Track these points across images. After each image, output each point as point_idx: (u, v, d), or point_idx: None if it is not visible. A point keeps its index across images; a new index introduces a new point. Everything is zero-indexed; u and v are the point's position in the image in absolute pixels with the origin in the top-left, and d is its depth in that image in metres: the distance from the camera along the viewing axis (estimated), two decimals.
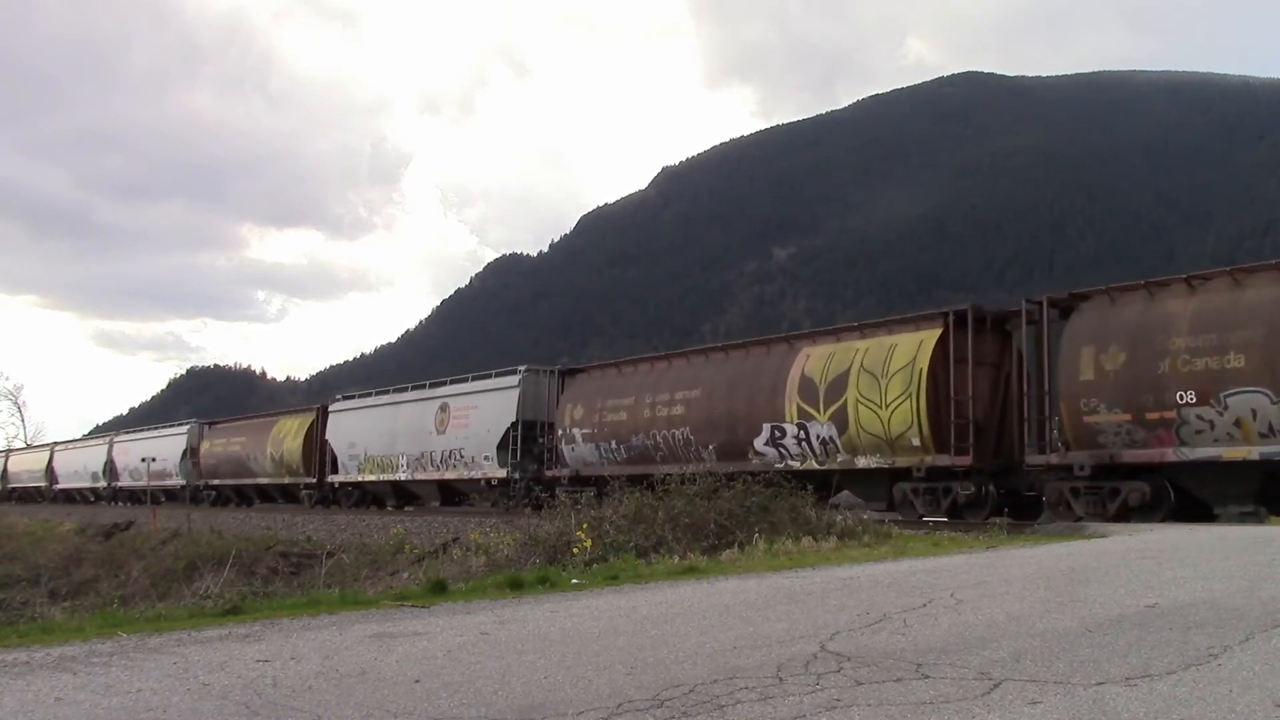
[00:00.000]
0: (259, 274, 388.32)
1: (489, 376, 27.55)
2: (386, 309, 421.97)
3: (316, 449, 34.13)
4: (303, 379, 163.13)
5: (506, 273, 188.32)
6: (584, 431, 23.62)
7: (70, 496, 51.86)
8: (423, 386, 30.30)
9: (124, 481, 46.02)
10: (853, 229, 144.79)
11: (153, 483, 40.85)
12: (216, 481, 40.11)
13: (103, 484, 47.98)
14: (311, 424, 34.66)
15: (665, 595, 7.89)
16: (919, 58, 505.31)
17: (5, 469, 61.36)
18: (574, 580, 9.33)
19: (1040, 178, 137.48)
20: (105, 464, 47.65)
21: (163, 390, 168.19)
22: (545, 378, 25.98)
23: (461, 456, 27.23)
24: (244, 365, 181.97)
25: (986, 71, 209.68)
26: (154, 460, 40.96)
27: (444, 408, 28.27)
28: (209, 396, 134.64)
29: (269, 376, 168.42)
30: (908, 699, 4.07)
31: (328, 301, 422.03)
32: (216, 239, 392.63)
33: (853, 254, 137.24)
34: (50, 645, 6.37)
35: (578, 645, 5.67)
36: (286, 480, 35.71)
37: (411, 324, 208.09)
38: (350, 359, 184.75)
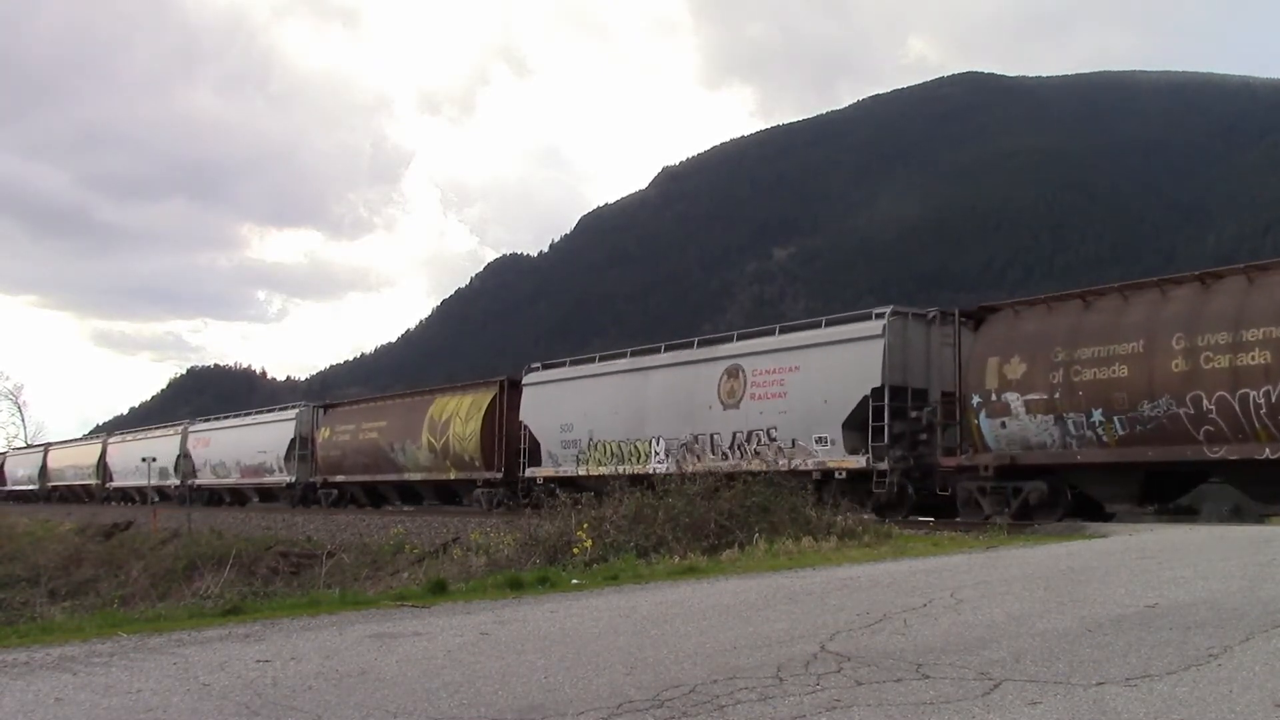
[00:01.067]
0: (259, 274, 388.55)
1: (818, 326, 20.07)
2: (386, 309, 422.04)
3: (500, 435, 26.49)
4: (303, 379, 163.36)
5: (506, 273, 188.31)
6: (1029, 398, 16.00)
7: (128, 496, 44.82)
8: (689, 345, 22.64)
9: (204, 479, 40.54)
10: (853, 229, 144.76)
11: (246, 480, 37.45)
12: (341, 478, 32.65)
13: (173, 481, 40.77)
14: (492, 401, 27.01)
15: (665, 595, 7.89)
16: (920, 57, 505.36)
17: (45, 465, 54.85)
18: (574, 580, 9.34)
19: (1040, 178, 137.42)
20: (178, 457, 40.92)
21: (163, 390, 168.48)
22: (925, 325, 18.56)
23: (772, 439, 19.46)
24: (244, 365, 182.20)
25: (986, 71, 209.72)
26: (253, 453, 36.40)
27: (734, 371, 20.51)
28: (209, 396, 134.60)
29: (269, 376, 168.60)
30: (908, 699, 4.08)
31: (328, 301, 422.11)
32: (217, 238, 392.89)
33: (853, 254, 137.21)
34: (50, 645, 6.37)
35: (578, 645, 5.67)
36: (453, 476, 28.06)
37: (411, 324, 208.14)
38: (350, 359, 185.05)
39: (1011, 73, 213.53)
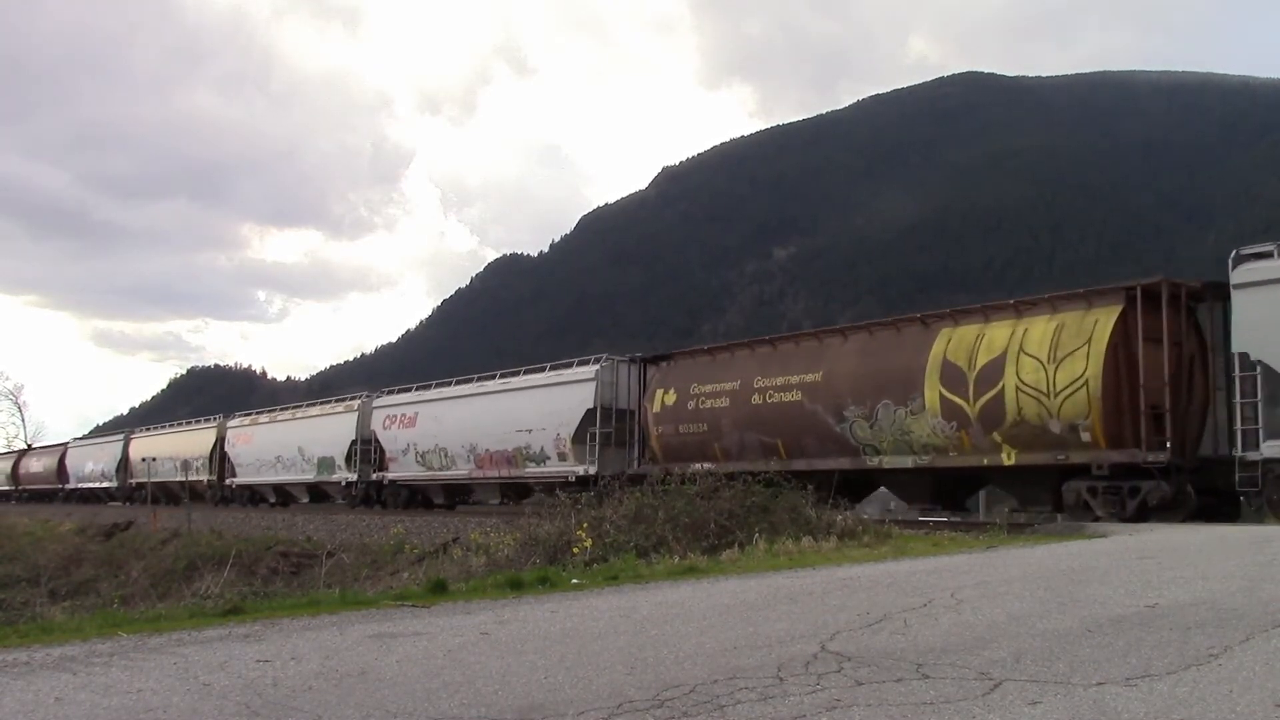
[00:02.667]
0: (259, 274, 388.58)
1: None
2: (386, 309, 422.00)
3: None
4: (303, 379, 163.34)
5: (506, 273, 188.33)
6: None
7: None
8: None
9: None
10: (853, 229, 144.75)
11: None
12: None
13: (310, 476, 34.49)
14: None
15: (665, 595, 7.89)
16: (921, 57, 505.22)
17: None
18: (574, 580, 9.33)
19: (1040, 178, 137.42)
20: (353, 444, 31.95)
21: (163, 390, 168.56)
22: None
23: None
24: (244, 365, 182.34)
25: (987, 71, 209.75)
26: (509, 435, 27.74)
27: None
28: (209, 396, 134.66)
29: (269, 376, 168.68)
30: (908, 699, 4.08)
31: (328, 301, 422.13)
32: (217, 238, 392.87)
33: (853, 254, 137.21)
34: (50, 645, 6.37)
35: (578, 645, 5.67)
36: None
37: (412, 324, 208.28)
38: (351, 359, 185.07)
39: (1011, 73, 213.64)
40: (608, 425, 23.58)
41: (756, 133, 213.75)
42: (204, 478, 40.04)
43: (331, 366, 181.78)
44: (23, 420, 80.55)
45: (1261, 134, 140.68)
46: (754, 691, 4.28)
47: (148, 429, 50.12)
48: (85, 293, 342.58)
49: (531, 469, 25.27)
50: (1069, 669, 4.52)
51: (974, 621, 5.89)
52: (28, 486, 58.26)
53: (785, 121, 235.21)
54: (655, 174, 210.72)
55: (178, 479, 39.12)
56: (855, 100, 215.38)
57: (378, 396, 32.50)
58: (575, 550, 11.65)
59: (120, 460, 46.81)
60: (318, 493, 35.41)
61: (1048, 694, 4.07)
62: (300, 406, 38.36)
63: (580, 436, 23.81)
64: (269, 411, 40.51)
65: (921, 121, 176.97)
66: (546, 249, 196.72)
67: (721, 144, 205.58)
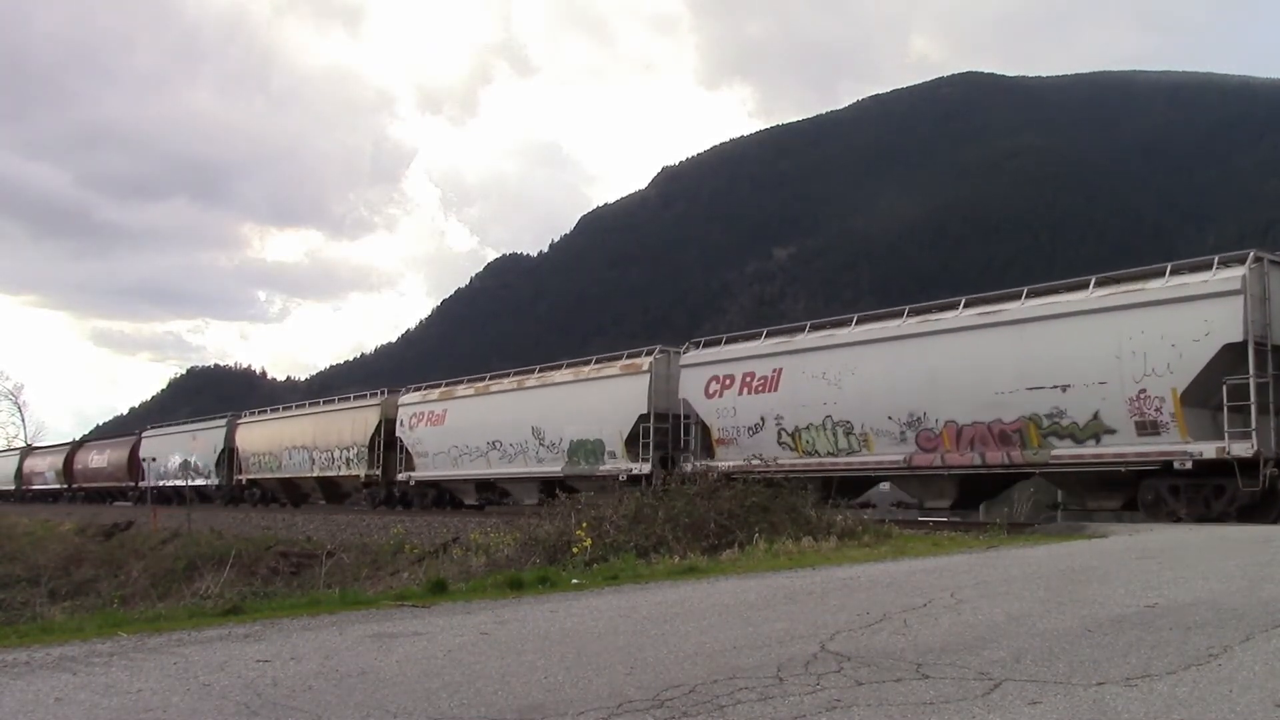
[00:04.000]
0: (260, 273, 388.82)
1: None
2: (386, 309, 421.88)
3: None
4: (303, 379, 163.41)
5: (506, 273, 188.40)
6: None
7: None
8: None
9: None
10: (853, 229, 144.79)
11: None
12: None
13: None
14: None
15: (665, 595, 7.89)
16: (921, 56, 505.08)
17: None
18: (574, 580, 9.33)
19: (1040, 178, 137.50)
20: (220, 452, 37.77)
21: (163, 390, 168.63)
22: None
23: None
24: (244, 365, 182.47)
25: (987, 71, 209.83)
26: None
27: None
28: (209, 396, 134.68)
29: (269, 376, 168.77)
30: (908, 699, 4.08)
31: (328, 301, 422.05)
32: (217, 238, 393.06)
33: (853, 254, 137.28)
34: (50, 645, 6.37)
35: (578, 645, 5.67)
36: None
37: (412, 324, 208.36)
38: (350, 359, 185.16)
39: (1011, 73, 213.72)
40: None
41: (756, 133, 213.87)
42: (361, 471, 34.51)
43: (331, 366, 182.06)
44: (23, 420, 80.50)
45: (1261, 134, 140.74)
46: (754, 691, 4.28)
47: (252, 414, 40.36)
48: (85, 293, 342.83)
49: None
50: (1069, 669, 4.52)
51: (974, 621, 5.89)
52: (85, 484, 49.21)
53: (785, 121, 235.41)
54: (655, 174, 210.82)
55: (311, 474, 34.14)
56: (855, 100, 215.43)
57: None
58: (575, 550, 11.65)
59: (222, 452, 39.01)
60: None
61: (1048, 694, 4.07)
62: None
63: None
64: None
65: (921, 121, 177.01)
66: (546, 249, 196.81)
67: (721, 144, 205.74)
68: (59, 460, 52.81)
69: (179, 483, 41.42)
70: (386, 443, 30.50)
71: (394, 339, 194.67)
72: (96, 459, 49.00)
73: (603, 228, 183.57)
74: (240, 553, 20.32)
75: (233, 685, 4.85)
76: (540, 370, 26.65)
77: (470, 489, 28.30)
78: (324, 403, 35.24)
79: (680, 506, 12.84)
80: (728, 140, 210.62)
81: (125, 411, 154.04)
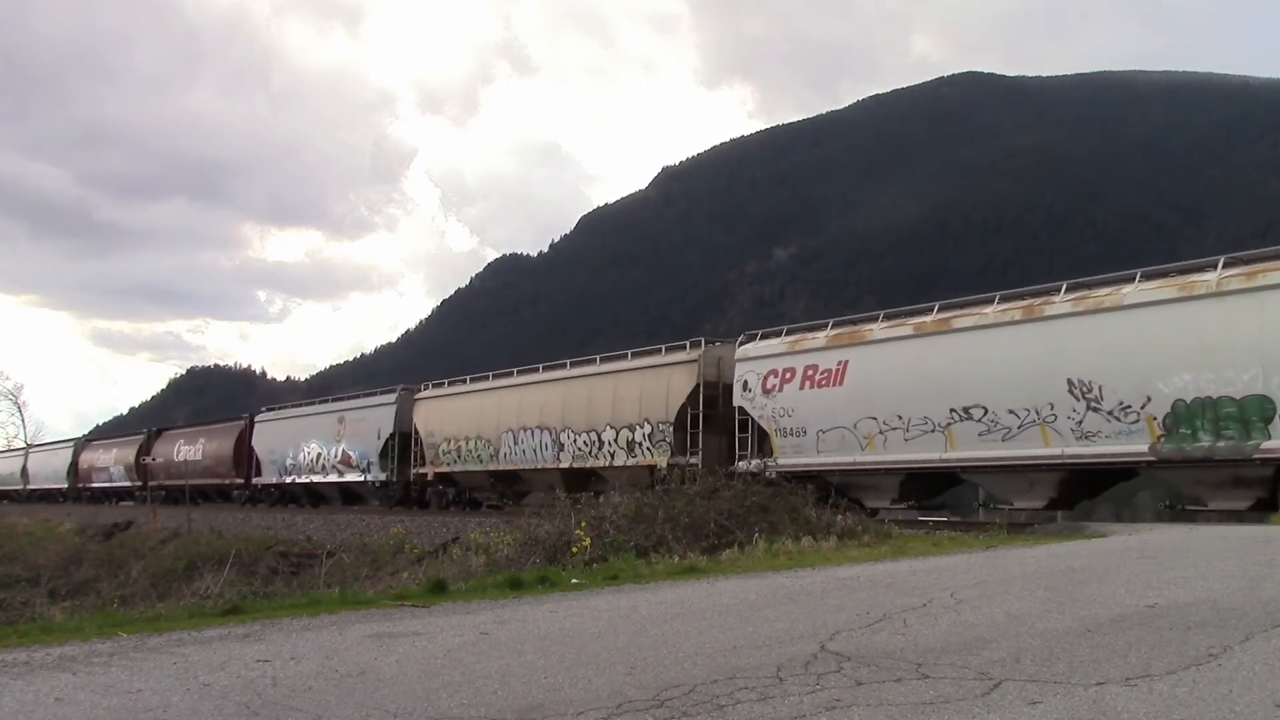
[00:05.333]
0: (260, 273, 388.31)
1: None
2: (386, 309, 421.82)
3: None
4: (303, 379, 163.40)
5: (506, 273, 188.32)
6: None
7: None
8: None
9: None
10: (853, 229, 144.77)
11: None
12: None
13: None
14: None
15: (665, 595, 7.89)
16: (922, 56, 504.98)
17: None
18: (574, 580, 9.34)
19: (1040, 178, 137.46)
20: (390, 439, 29.79)
21: (163, 390, 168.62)
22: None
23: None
24: (244, 365, 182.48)
25: (987, 72, 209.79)
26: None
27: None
28: (209, 396, 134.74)
29: (269, 376, 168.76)
30: (908, 699, 4.08)
31: (328, 301, 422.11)
32: (217, 238, 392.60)
33: (853, 254, 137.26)
34: (50, 645, 6.37)
35: (578, 645, 5.67)
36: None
37: (411, 324, 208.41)
38: (350, 359, 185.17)
39: (1012, 73, 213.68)
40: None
41: (756, 133, 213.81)
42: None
43: (331, 366, 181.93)
44: (22, 420, 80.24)
45: (1261, 134, 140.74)
46: (754, 691, 4.28)
47: (436, 384, 30.84)
48: (85, 292, 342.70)
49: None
50: (1069, 669, 4.51)
51: (974, 621, 5.89)
52: (170, 481, 40.04)
53: (785, 121, 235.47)
54: (655, 174, 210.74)
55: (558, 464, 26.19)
56: (856, 100, 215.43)
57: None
58: (575, 550, 11.65)
59: (391, 438, 30.14)
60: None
61: (1047, 694, 4.07)
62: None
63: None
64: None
65: (921, 121, 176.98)
66: (546, 249, 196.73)
67: (721, 144, 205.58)
68: (128, 453, 44.76)
69: (316, 478, 33.14)
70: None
71: (394, 339, 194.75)
72: (186, 450, 40.06)
73: (603, 228, 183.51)
74: (240, 553, 20.31)
75: (233, 685, 4.86)
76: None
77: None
78: (571, 364, 26.12)
79: (680, 506, 12.85)
80: (728, 140, 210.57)
81: (125, 411, 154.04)
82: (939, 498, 19.40)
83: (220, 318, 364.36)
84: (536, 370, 26.71)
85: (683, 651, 5.28)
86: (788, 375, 19.62)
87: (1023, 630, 5.53)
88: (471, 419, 27.33)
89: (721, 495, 13.27)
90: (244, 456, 36.96)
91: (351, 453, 31.68)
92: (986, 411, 16.26)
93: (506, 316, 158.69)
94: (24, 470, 55.98)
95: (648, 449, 21.87)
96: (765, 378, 20.00)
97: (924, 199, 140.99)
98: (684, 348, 22.48)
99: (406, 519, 24.59)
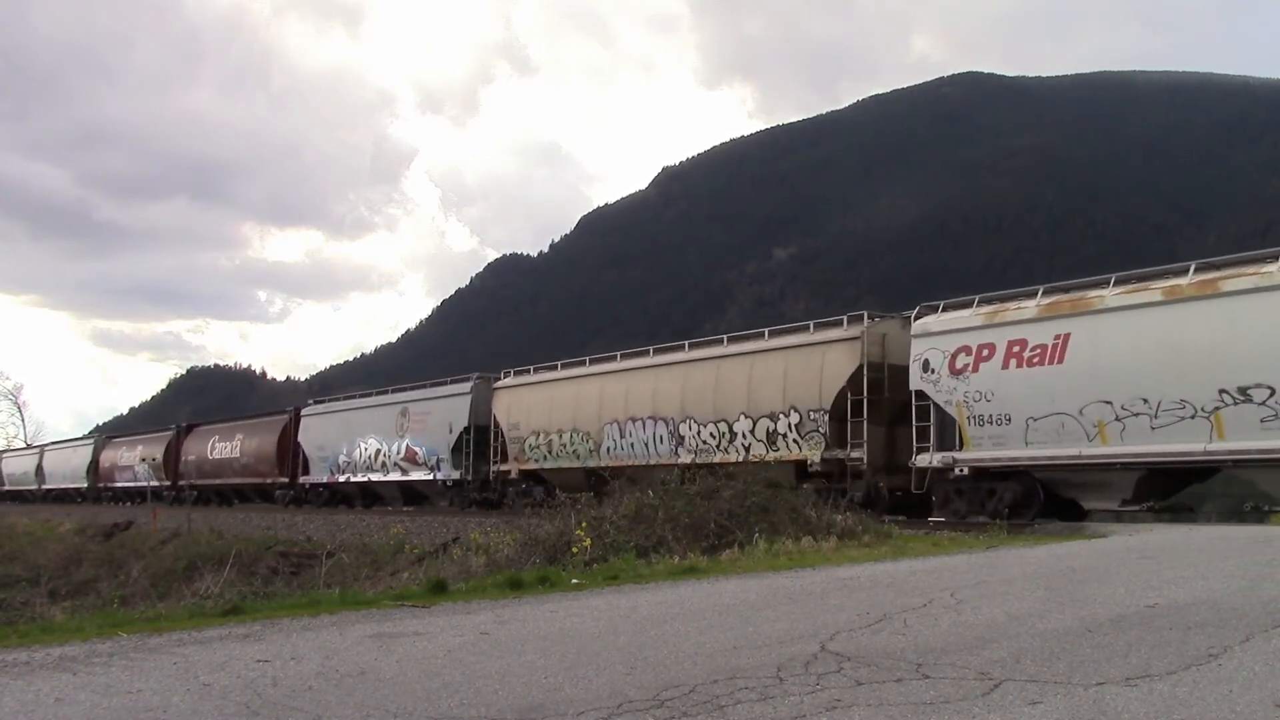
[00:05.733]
0: (260, 273, 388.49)
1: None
2: (386, 309, 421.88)
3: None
4: (303, 379, 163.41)
5: (506, 273, 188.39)
6: None
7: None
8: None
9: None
10: (853, 229, 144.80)
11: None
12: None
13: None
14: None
15: (665, 595, 7.89)
16: (922, 56, 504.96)
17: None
18: (574, 580, 9.34)
19: (1040, 178, 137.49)
20: (464, 433, 26.59)
21: (163, 390, 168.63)
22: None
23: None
24: (244, 365, 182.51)
25: (987, 72, 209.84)
26: None
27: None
28: (209, 396, 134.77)
29: (269, 376, 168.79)
30: (908, 699, 4.08)
31: (328, 301, 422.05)
32: (218, 238, 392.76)
33: (853, 254, 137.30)
34: (50, 645, 6.37)
35: (578, 645, 5.67)
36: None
37: (411, 324, 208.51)
38: (350, 359, 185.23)
39: (1012, 73, 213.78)
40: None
41: (756, 133, 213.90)
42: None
43: (331, 366, 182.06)
44: (22, 420, 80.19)
45: (1261, 134, 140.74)
46: (754, 691, 4.28)
47: (521, 371, 27.05)
48: (85, 292, 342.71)
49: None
50: (1069, 669, 4.51)
51: (974, 621, 5.89)
52: (203, 481, 37.49)
53: (785, 121, 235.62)
54: (655, 174, 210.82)
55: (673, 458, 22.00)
56: (856, 100, 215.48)
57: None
58: (575, 550, 11.65)
59: (465, 432, 26.90)
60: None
61: (1048, 694, 4.07)
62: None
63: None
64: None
65: (921, 121, 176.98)
66: (546, 249, 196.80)
67: (721, 144, 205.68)
68: (155, 450, 41.50)
69: (375, 477, 29.83)
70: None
71: (394, 339, 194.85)
72: (223, 447, 37.04)
73: (603, 228, 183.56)
74: (240, 553, 20.29)
75: (233, 685, 4.86)
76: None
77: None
78: (691, 346, 23.01)
79: (680, 506, 12.85)
80: (728, 140, 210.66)
81: (125, 411, 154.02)
82: (1179, 496, 16.27)
83: (220, 318, 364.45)
84: (647, 354, 23.84)
85: (683, 651, 5.28)
86: (985, 352, 16.55)
87: (1023, 630, 5.53)
88: (565, 410, 24.27)
89: (721, 495, 13.27)
90: (288, 453, 33.68)
91: (417, 448, 28.39)
92: (1273, 393, 13.29)
93: (506, 316, 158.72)
94: (39, 469, 53.08)
95: (794, 441, 19.01)
96: (954, 356, 16.93)
97: (924, 199, 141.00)
98: (840, 323, 19.52)
99: (406, 519, 24.50)
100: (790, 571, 9.32)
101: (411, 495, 29.52)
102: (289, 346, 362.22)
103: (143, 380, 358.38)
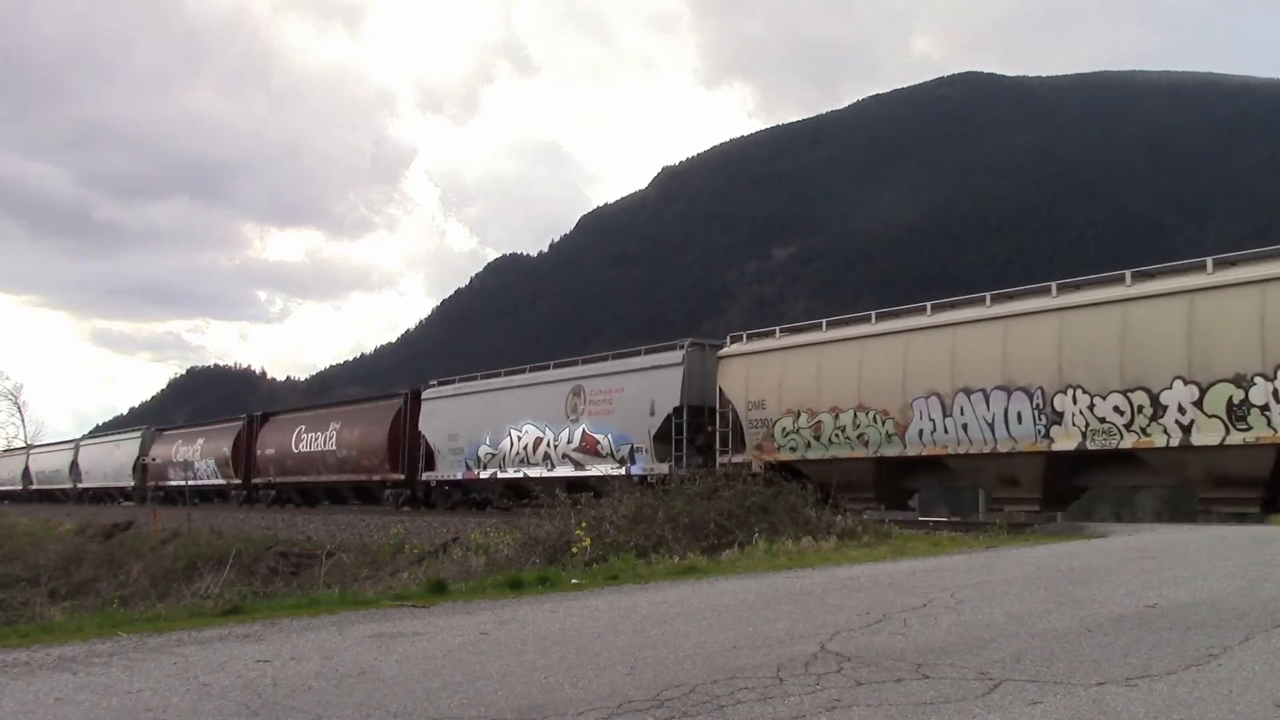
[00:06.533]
0: (260, 273, 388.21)
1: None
2: (386, 309, 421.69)
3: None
4: (303, 379, 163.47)
5: (506, 273, 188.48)
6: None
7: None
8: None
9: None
10: (853, 229, 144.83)
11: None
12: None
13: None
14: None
15: (665, 595, 7.89)
16: (923, 56, 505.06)
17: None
18: (574, 580, 9.34)
19: (1040, 178, 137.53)
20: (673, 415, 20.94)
21: (163, 390, 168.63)
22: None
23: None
24: (244, 365, 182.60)
25: (987, 72, 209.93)
26: None
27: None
28: (209, 396, 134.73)
29: (269, 376, 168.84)
30: (908, 699, 4.08)
31: (329, 301, 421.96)
32: (218, 238, 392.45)
33: (853, 254, 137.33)
34: (50, 645, 6.37)
35: (578, 645, 5.67)
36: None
37: (411, 324, 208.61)
38: (350, 359, 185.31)
39: (1011, 73, 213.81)
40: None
41: (756, 133, 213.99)
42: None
43: (331, 366, 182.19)
44: (22, 420, 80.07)
45: (1261, 134, 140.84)
46: (754, 691, 4.28)
47: (759, 333, 21.79)
48: (84, 292, 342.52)
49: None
50: (1069, 669, 4.52)
51: (974, 621, 5.89)
52: (286, 479, 33.39)
53: (785, 121, 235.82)
54: (655, 174, 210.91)
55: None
56: (856, 100, 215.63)
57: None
58: (575, 550, 11.65)
59: (675, 413, 21.20)
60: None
61: (1048, 694, 4.07)
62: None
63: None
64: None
65: (921, 121, 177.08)
66: (546, 249, 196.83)
67: (721, 144, 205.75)
68: (221, 444, 36.80)
69: (536, 472, 23.87)
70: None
71: (394, 339, 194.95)
72: (312, 438, 31.53)
73: (603, 228, 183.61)
74: (240, 553, 20.30)
75: (233, 685, 4.86)
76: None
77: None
78: (1060, 289, 16.61)
79: (680, 506, 12.86)
80: (728, 140, 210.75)
81: (125, 411, 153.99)
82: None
83: (220, 318, 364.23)
84: (981, 301, 17.33)
85: (683, 651, 5.28)
86: None
87: (1023, 630, 5.53)
88: (843, 382, 18.55)
89: (721, 495, 13.28)
90: (400, 445, 28.41)
91: (599, 436, 22.75)
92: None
93: (506, 316, 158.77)
94: (73, 466, 48.21)
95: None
96: None
97: (924, 199, 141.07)
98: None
99: (406, 519, 24.39)
100: (790, 571, 9.32)
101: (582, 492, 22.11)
102: (289, 346, 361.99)
103: (143, 380, 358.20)
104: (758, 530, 12.24)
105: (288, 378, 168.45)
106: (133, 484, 42.58)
